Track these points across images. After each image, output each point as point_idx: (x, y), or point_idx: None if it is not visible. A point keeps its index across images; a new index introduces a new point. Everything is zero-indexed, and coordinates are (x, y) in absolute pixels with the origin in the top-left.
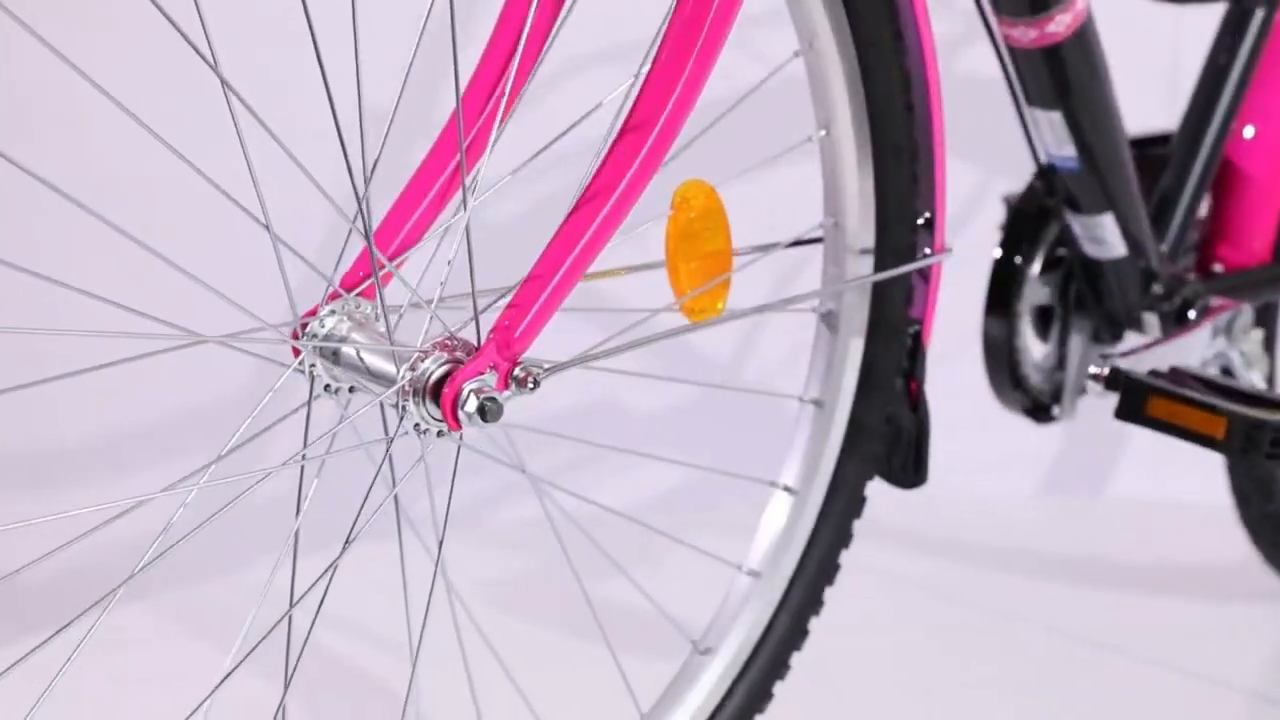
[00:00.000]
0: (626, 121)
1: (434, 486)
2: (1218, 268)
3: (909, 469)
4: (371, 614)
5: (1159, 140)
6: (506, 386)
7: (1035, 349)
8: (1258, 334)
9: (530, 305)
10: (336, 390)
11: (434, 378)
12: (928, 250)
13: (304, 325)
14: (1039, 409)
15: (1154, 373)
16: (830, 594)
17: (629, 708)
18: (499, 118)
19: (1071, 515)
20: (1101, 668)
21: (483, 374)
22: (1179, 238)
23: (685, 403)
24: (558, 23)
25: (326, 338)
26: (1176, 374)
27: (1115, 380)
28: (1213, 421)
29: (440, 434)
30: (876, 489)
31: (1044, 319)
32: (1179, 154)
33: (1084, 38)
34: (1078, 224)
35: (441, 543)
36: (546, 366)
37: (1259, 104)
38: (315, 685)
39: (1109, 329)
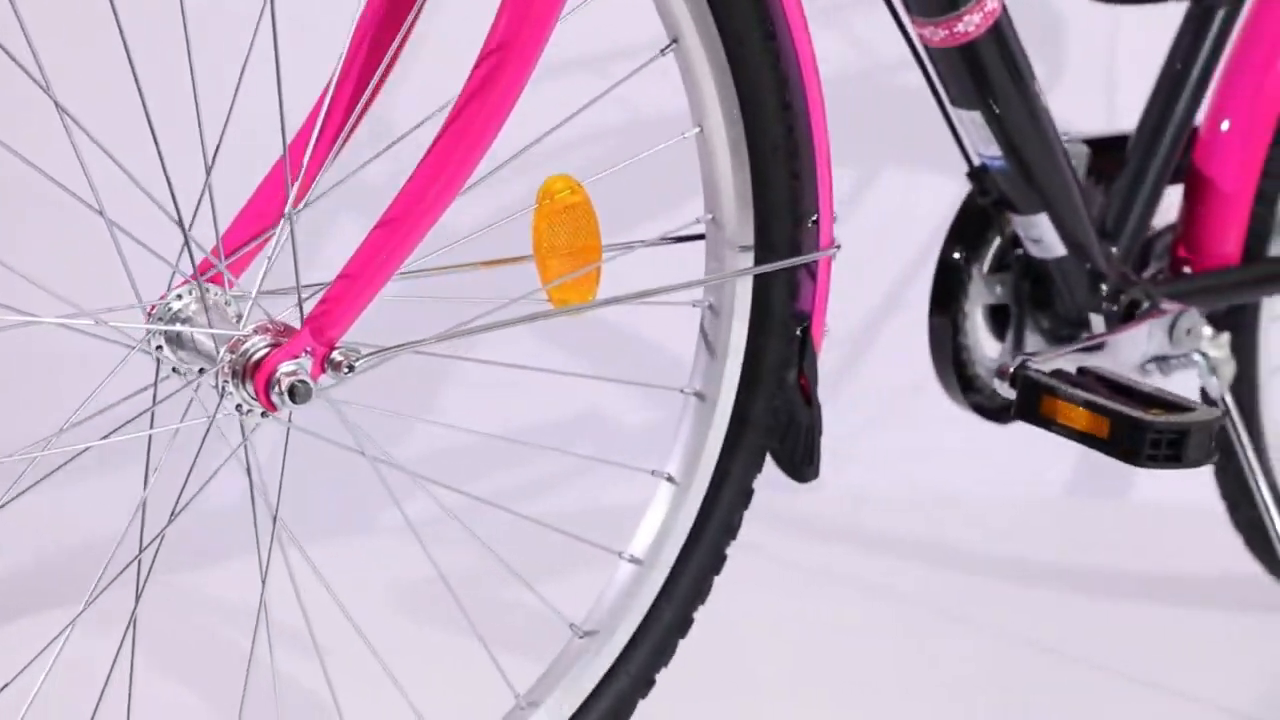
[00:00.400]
0: (446, 123)
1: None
2: (1187, 270)
3: (802, 462)
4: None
5: (1118, 141)
6: (323, 369)
7: (990, 348)
8: (1223, 338)
9: (345, 294)
10: (184, 372)
11: (253, 360)
12: (816, 247)
13: (151, 309)
14: (997, 409)
15: (1056, 372)
16: (819, 595)
17: (506, 693)
18: (353, 118)
19: (1089, 519)
20: (1070, 676)
21: (297, 357)
22: (1134, 238)
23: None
24: (403, 29)
25: (171, 320)
26: (1082, 374)
27: (1015, 379)
28: (1098, 422)
29: (264, 415)
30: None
31: (1001, 318)
32: (1135, 155)
33: (999, 36)
34: (1016, 224)
35: (276, 518)
36: (365, 351)
37: (1223, 106)
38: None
39: (1065, 329)
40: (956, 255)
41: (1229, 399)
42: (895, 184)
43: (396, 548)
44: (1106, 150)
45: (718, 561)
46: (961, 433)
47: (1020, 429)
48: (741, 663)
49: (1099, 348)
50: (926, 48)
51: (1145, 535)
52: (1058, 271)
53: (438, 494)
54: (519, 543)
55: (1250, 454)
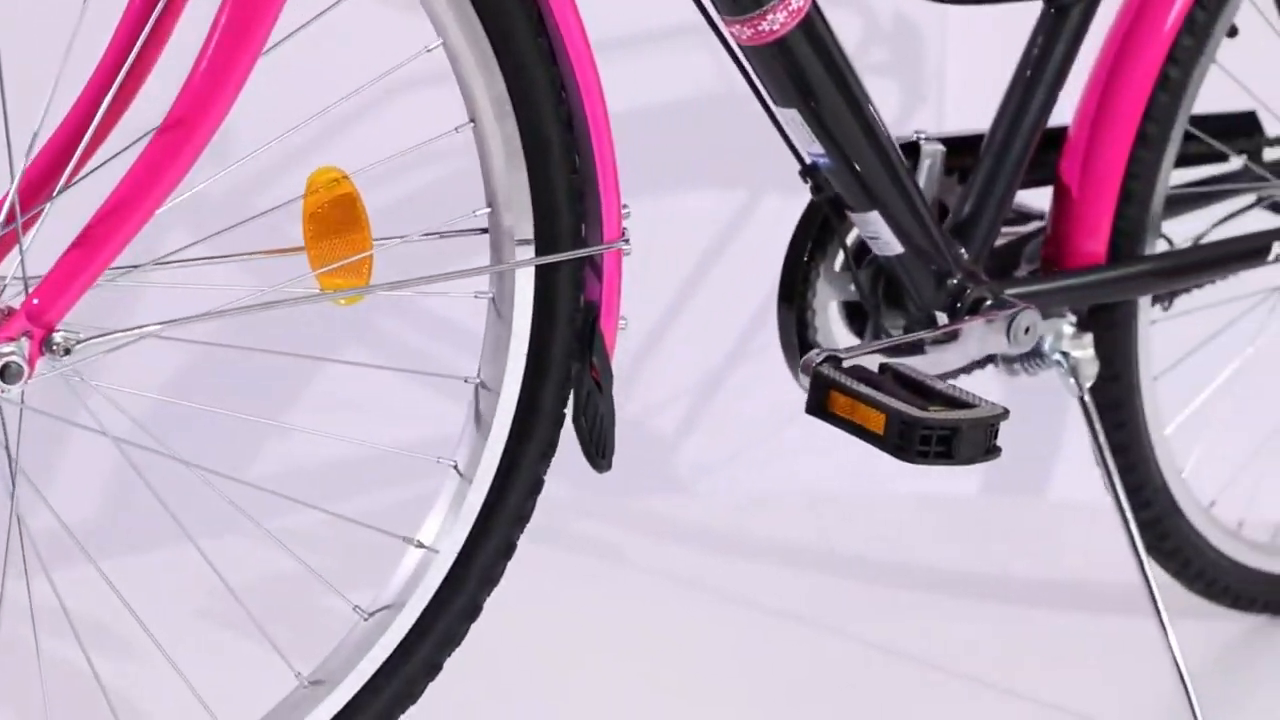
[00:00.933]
0: (165, 120)
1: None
2: (1055, 269)
3: (595, 453)
4: None
5: (975, 140)
6: (42, 352)
7: (849, 344)
8: (1086, 338)
9: (62, 279)
10: None
11: None
12: (600, 240)
13: None
14: None
15: (852, 369)
16: (679, 601)
17: (288, 674)
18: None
19: (999, 518)
20: (913, 679)
21: (15, 339)
22: (986, 237)
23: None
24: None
25: None
26: (882, 371)
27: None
28: (876, 418)
29: None
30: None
31: (859, 315)
32: (987, 155)
33: (809, 34)
34: (853, 221)
35: (14, 494)
36: (85, 335)
37: (1087, 107)
38: None
39: (918, 327)
40: (800, 251)
41: (1089, 400)
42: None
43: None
44: (964, 149)
45: (508, 548)
46: None
47: None
48: (569, 667)
49: (922, 346)
50: (741, 47)
51: (1051, 536)
52: (899, 269)
53: (216, 483)
54: (305, 532)
55: (1108, 457)
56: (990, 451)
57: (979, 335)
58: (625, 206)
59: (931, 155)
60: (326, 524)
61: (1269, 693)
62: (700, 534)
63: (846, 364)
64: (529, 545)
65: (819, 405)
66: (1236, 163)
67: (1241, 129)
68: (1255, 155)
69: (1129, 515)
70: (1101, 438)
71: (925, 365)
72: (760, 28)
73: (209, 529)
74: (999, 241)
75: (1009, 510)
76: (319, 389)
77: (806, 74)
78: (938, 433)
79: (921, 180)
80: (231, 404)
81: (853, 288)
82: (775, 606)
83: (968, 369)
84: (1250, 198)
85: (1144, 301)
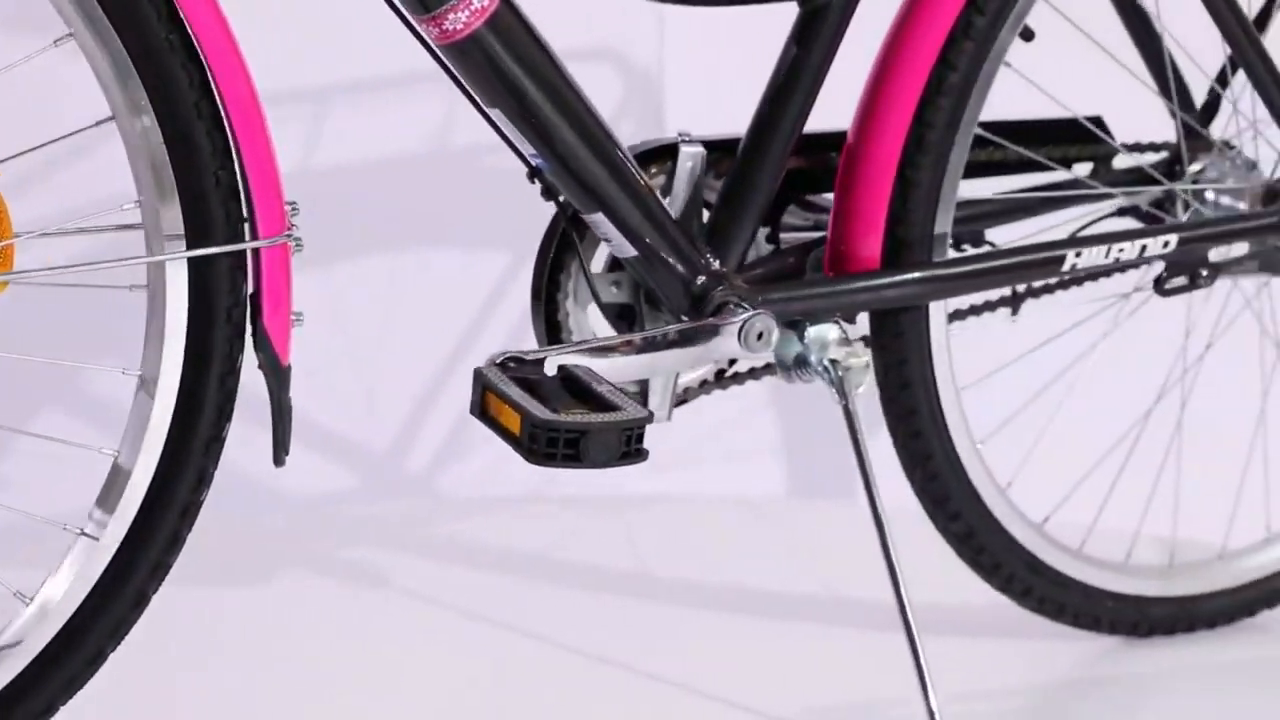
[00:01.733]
0: None
1: None
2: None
3: (275, 447)
4: None
5: (735, 143)
6: None
7: None
8: (857, 346)
9: None
10: None
11: None
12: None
13: None
14: None
15: (518, 370)
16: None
17: None
18: None
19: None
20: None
21: None
22: (739, 240)
23: None
24: None
25: None
26: (560, 372)
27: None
28: (515, 419)
29: None
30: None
31: (630, 317)
32: (741, 159)
33: (498, 33)
34: (588, 222)
35: None
36: None
37: (859, 113)
38: None
39: None
40: (546, 252)
41: (853, 407)
42: None
43: None
44: (726, 152)
45: (175, 543)
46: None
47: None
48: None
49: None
50: (438, 46)
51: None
52: (639, 271)
53: None
54: None
55: (868, 464)
56: (629, 456)
57: (706, 340)
58: (292, 203)
59: (692, 158)
60: None
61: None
62: (445, 539)
63: (518, 364)
64: (266, 549)
65: (479, 407)
66: (1083, 169)
67: (1078, 137)
68: (1104, 162)
69: (884, 521)
70: (863, 446)
71: (641, 369)
72: (445, 26)
73: None
74: (787, 246)
75: (812, 515)
76: None
77: (504, 73)
78: (565, 435)
79: (679, 183)
80: None
81: (616, 290)
82: (500, 617)
83: (734, 377)
84: (1111, 205)
85: (936, 308)
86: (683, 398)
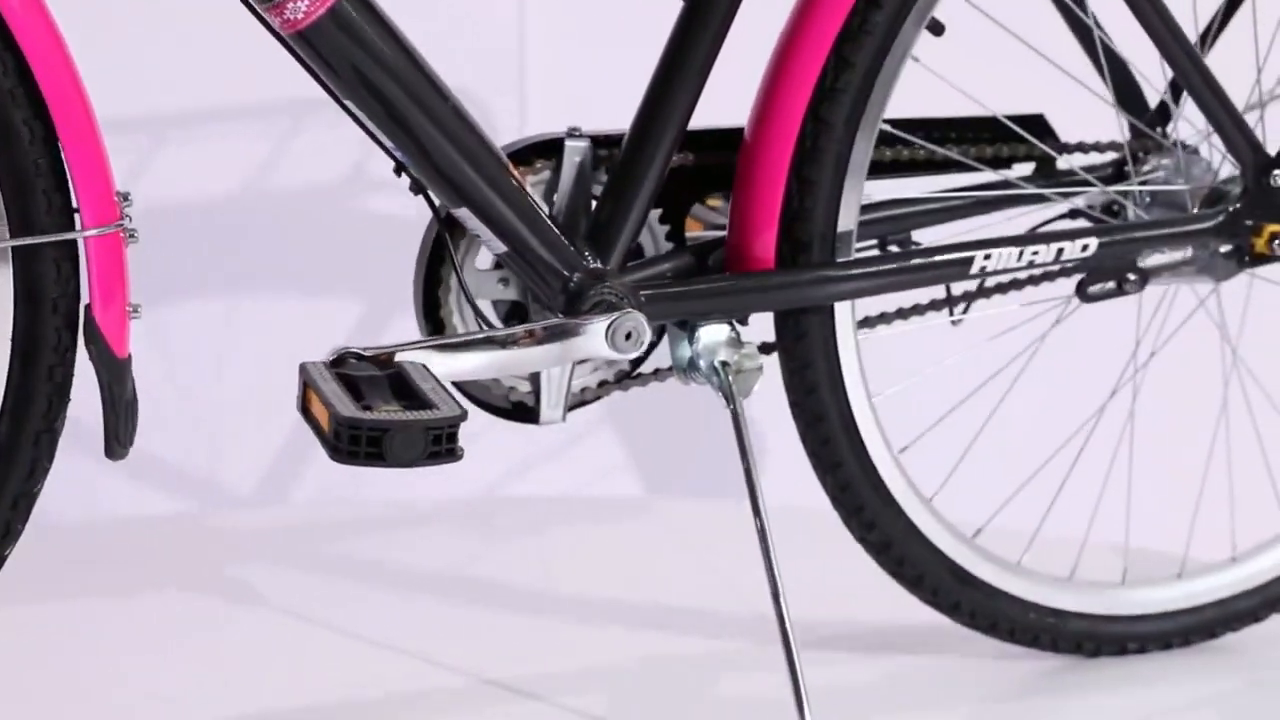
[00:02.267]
0: None
1: None
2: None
3: (113, 439)
4: None
5: (620, 140)
6: None
7: None
8: (749, 348)
9: None
10: None
11: None
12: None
13: None
14: (517, 410)
15: (344, 367)
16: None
17: None
18: None
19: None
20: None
21: None
22: (620, 238)
23: None
24: None
25: None
26: (382, 368)
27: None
28: (326, 416)
29: None
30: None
31: (522, 315)
32: (625, 154)
33: (340, 21)
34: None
35: None
36: None
37: (754, 107)
38: None
39: None
40: (425, 248)
41: (740, 411)
42: None
43: None
44: (615, 147)
45: (7, 536)
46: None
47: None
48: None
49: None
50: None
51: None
52: (512, 267)
53: None
54: None
55: (754, 471)
56: (438, 455)
57: (568, 338)
58: (125, 194)
59: (578, 153)
60: None
61: None
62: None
63: (370, 360)
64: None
65: (300, 403)
66: (1025, 170)
67: (1010, 135)
68: (1048, 163)
69: (767, 530)
70: (750, 452)
71: (487, 367)
72: (286, 15)
73: None
74: (691, 245)
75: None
76: None
77: (350, 64)
78: (367, 433)
79: (565, 179)
80: None
81: (504, 288)
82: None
83: (635, 378)
84: (1059, 208)
85: (843, 311)
86: (581, 399)
